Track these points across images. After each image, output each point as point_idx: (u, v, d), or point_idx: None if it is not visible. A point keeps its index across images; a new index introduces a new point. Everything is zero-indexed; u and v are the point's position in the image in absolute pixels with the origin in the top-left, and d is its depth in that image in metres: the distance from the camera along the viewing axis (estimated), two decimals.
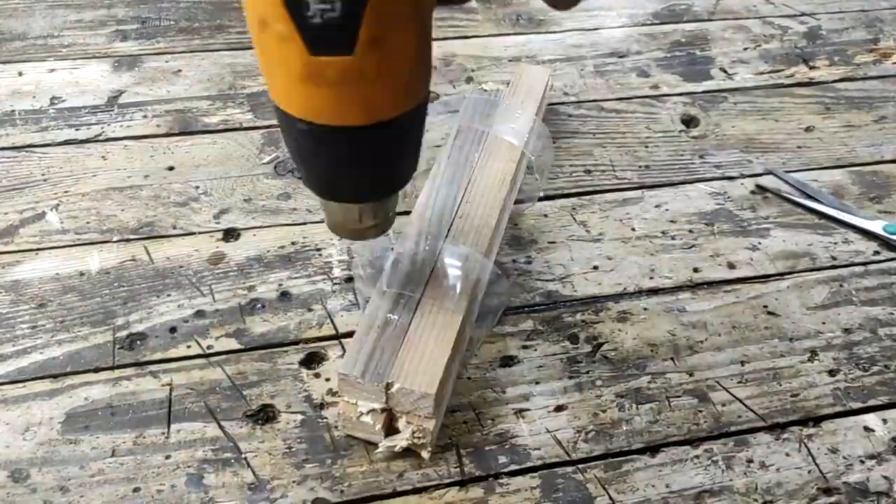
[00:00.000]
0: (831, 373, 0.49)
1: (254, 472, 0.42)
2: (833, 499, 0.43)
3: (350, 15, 0.29)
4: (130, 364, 0.47)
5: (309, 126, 0.33)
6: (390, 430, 0.43)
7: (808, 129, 0.67)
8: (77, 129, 0.63)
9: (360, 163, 0.35)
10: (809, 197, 0.61)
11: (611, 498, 0.42)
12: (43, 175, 0.59)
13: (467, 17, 0.78)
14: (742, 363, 0.49)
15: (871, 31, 0.80)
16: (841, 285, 0.55)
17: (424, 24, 0.32)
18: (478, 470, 0.43)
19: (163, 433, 0.44)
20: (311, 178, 0.37)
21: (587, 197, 0.60)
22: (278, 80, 0.32)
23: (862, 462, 0.45)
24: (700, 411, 0.47)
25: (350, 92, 0.31)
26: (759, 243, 0.57)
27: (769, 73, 0.73)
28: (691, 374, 0.49)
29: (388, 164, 0.37)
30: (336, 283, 0.52)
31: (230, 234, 0.55)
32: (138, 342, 0.48)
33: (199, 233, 0.55)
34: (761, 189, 0.62)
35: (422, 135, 0.38)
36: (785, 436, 0.46)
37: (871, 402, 0.48)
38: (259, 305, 0.51)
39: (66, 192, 0.57)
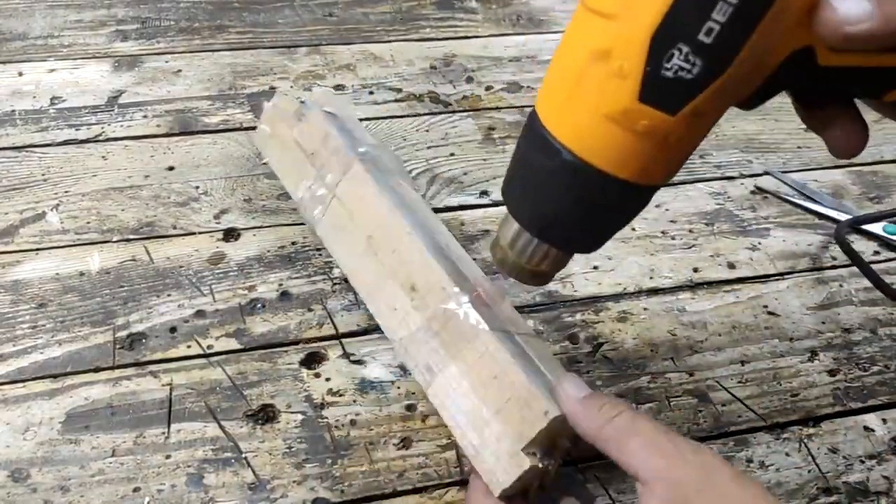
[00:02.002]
0: (831, 373, 0.49)
1: (254, 472, 0.42)
2: (833, 499, 0.43)
3: (697, 83, 0.28)
4: (130, 364, 0.47)
5: (577, 162, 0.31)
6: None
7: (808, 129, 0.67)
8: (77, 129, 0.63)
9: (602, 214, 0.34)
10: (808, 198, 0.61)
11: (611, 498, 0.42)
12: (43, 175, 0.59)
13: (467, 17, 0.78)
14: (742, 363, 0.49)
15: None
16: (841, 285, 0.55)
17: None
18: None
19: (163, 433, 0.44)
20: (532, 209, 0.35)
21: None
22: (578, 108, 0.31)
23: (862, 462, 0.45)
24: (700, 411, 0.47)
25: (644, 148, 0.30)
26: (759, 243, 0.57)
27: None
28: (691, 374, 0.49)
29: (615, 225, 0.36)
30: (336, 283, 0.52)
31: (230, 234, 0.55)
32: (138, 342, 0.48)
33: (200, 233, 0.55)
34: (760, 190, 0.62)
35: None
36: (785, 436, 0.46)
37: (871, 402, 0.48)
38: (259, 305, 0.51)
39: (66, 192, 0.57)
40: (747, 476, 0.34)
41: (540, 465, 0.37)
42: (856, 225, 0.58)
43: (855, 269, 0.55)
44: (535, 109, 0.33)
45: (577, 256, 0.55)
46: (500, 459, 0.37)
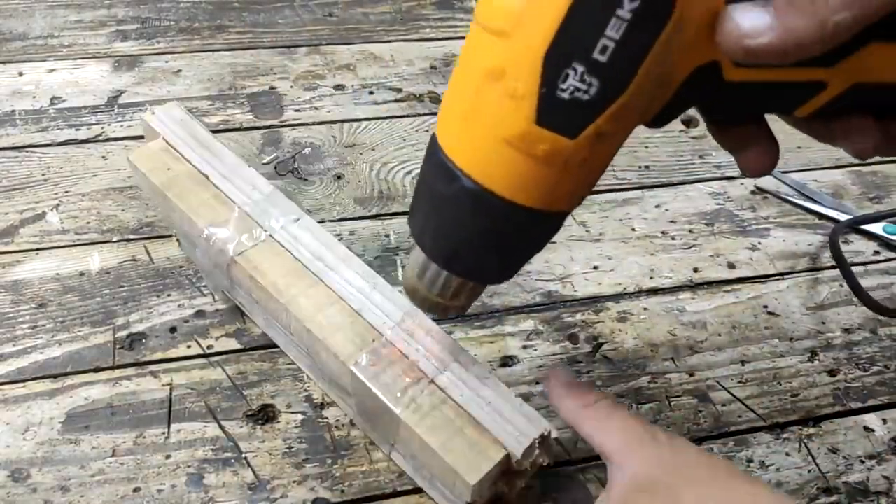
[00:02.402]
0: (831, 373, 0.49)
1: (254, 472, 0.42)
2: (833, 498, 0.43)
3: (595, 104, 0.27)
4: (130, 364, 0.47)
5: (478, 189, 0.30)
6: None
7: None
8: (77, 129, 0.63)
9: (507, 242, 0.33)
10: (808, 198, 0.61)
11: None
12: (43, 175, 0.59)
13: (467, 17, 0.78)
14: (742, 363, 0.49)
15: None
16: (841, 285, 0.55)
17: (629, 135, 0.31)
18: None
19: (163, 433, 0.44)
20: (434, 238, 0.34)
21: (587, 197, 0.60)
22: (475, 133, 0.29)
23: (862, 462, 0.45)
24: (700, 411, 0.47)
25: (546, 173, 0.29)
26: (759, 243, 0.57)
27: None
28: (691, 374, 0.49)
29: (524, 253, 0.35)
30: None
31: None
32: (138, 342, 0.48)
33: None
34: (760, 190, 0.62)
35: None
36: (785, 436, 0.46)
37: (871, 402, 0.48)
38: None
39: (66, 192, 0.57)
40: (716, 456, 0.35)
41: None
42: (854, 226, 0.58)
43: (856, 269, 0.55)
44: (435, 133, 0.31)
45: (577, 257, 0.55)
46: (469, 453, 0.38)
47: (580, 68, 0.26)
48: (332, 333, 0.41)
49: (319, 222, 0.56)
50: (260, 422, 0.45)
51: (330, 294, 0.43)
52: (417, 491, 0.42)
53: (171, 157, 0.49)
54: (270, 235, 0.45)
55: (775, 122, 0.33)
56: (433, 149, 0.31)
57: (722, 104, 0.30)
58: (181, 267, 0.53)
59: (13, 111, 0.64)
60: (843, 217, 0.59)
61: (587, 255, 0.56)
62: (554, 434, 0.38)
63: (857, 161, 0.65)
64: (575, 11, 0.25)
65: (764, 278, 0.55)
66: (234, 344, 0.48)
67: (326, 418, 0.45)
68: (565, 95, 0.26)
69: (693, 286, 0.54)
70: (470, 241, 0.32)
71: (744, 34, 0.25)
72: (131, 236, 0.55)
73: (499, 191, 0.29)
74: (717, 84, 0.28)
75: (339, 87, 0.69)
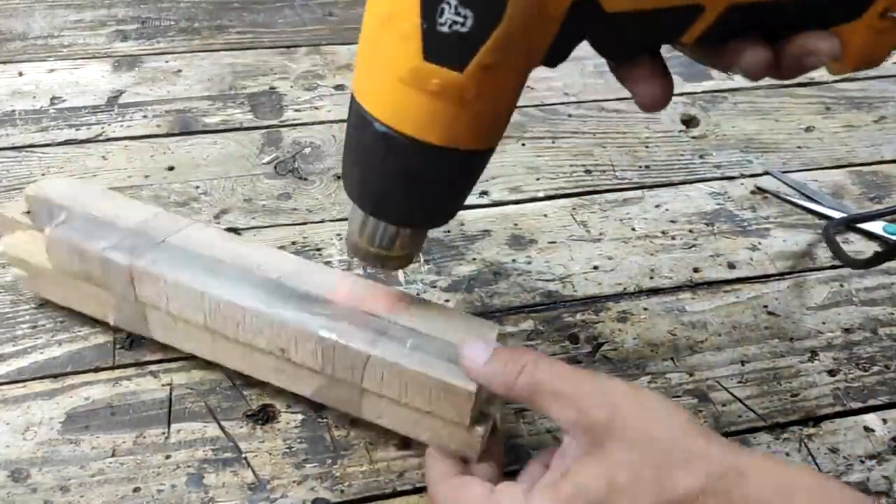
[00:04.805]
0: (831, 373, 0.49)
1: (254, 472, 0.42)
2: None
3: (475, 36, 0.28)
4: (130, 364, 0.47)
5: (387, 131, 0.32)
6: None
7: (808, 129, 0.67)
8: (77, 129, 0.63)
9: (420, 184, 0.34)
10: (808, 198, 0.61)
11: None
12: (43, 175, 0.59)
13: None
14: (742, 363, 0.49)
15: None
16: (841, 285, 0.55)
17: (527, 72, 0.32)
18: None
19: (163, 433, 0.44)
20: (360, 188, 0.35)
21: (587, 197, 0.60)
22: (376, 77, 0.31)
23: (862, 462, 0.45)
24: (700, 411, 0.47)
25: (441, 109, 0.31)
26: (759, 243, 0.57)
27: None
28: (691, 374, 0.49)
29: (444, 194, 0.36)
30: None
31: None
32: (138, 342, 0.48)
33: None
34: (760, 190, 0.62)
35: (476, 181, 0.37)
36: (785, 436, 0.46)
37: (871, 402, 0.48)
38: None
39: None
40: (656, 396, 0.35)
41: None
42: (849, 224, 0.58)
43: (856, 269, 0.56)
44: (353, 85, 0.34)
45: (577, 257, 0.55)
46: (454, 439, 0.39)
47: (453, 1, 0.28)
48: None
49: (319, 222, 0.57)
50: (260, 422, 0.45)
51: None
52: (417, 491, 0.42)
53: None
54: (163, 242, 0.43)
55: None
56: (351, 100, 0.33)
57: (608, 38, 0.32)
58: None
59: (13, 111, 0.64)
60: (843, 217, 0.59)
61: (587, 255, 0.56)
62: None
63: (857, 161, 0.65)
64: None
65: (764, 278, 0.55)
66: None
67: (326, 418, 0.45)
68: (445, 29, 0.28)
69: (693, 286, 0.54)
70: (390, 186, 0.34)
71: None
72: None
73: (405, 130, 0.31)
74: (599, 16, 0.30)
75: (339, 87, 0.69)
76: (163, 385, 0.46)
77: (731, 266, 0.56)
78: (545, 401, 0.35)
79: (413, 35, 0.29)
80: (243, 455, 0.43)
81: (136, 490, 0.41)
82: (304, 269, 0.43)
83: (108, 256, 0.42)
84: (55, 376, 0.46)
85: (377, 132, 0.32)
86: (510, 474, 0.42)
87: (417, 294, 0.52)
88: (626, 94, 0.35)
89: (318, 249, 0.54)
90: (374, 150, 0.33)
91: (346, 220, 0.57)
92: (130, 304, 0.44)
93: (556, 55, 0.32)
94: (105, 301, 0.45)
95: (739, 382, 0.48)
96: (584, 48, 0.33)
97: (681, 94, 0.70)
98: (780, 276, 0.55)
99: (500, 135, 0.34)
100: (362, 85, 0.32)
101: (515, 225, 0.57)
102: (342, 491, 0.42)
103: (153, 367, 0.47)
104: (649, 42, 0.32)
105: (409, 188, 0.34)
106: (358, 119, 0.33)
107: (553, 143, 0.64)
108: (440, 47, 0.29)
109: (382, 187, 0.35)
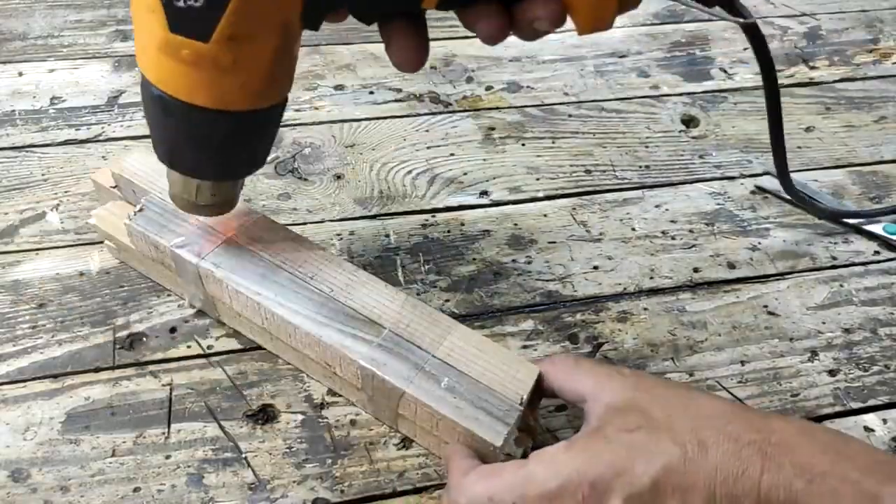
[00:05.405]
0: (831, 373, 0.49)
1: (254, 472, 0.42)
2: None
3: (210, 10, 0.30)
4: (130, 364, 0.47)
5: (160, 94, 0.34)
6: None
7: (808, 129, 0.67)
8: (77, 129, 0.63)
9: (200, 142, 0.36)
10: (808, 198, 0.61)
11: None
12: (43, 175, 0.59)
13: None
14: (742, 363, 0.49)
15: (871, 31, 0.80)
16: (841, 285, 0.55)
17: (287, 36, 0.34)
18: None
19: (163, 433, 0.44)
20: (157, 145, 0.39)
21: (587, 197, 0.60)
22: (144, 44, 0.34)
23: None
24: None
25: (201, 75, 0.33)
26: (759, 243, 0.57)
27: None
28: (691, 374, 0.49)
29: (228, 151, 0.38)
30: None
31: None
32: (138, 342, 0.48)
33: None
34: (761, 190, 0.62)
35: (271, 134, 0.39)
36: None
37: (871, 402, 0.48)
38: None
39: (66, 192, 0.57)
40: (675, 381, 0.38)
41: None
42: (833, 220, 0.59)
43: (856, 269, 0.56)
44: None
45: (577, 257, 0.55)
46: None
47: None
48: (328, 331, 0.41)
49: (319, 222, 0.57)
50: (260, 422, 0.45)
51: (319, 293, 0.43)
52: (417, 491, 0.42)
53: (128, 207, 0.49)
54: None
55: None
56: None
57: (357, 3, 0.33)
58: None
59: (13, 111, 0.64)
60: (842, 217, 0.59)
61: (587, 255, 0.55)
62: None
63: (856, 161, 0.65)
64: None
65: (764, 278, 0.55)
66: (234, 344, 0.48)
67: (326, 418, 0.45)
68: (181, 4, 0.30)
69: (693, 286, 0.54)
70: (178, 143, 0.37)
71: None
72: None
73: (175, 94, 0.34)
74: None
75: (339, 87, 0.69)
76: (163, 385, 0.46)
77: (731, 266, 0.56)
78: (579, 375, 0.39)
79: (157, 9, 0.31)
80: (243, 455, 0.43)
81: (136, 490, 0.41)
82: (354, 282, 0.44)
83: (179, 253, 0.44)
84: (55, 376, 0.46)
85: (154, 95, 0.34)
86: None
87: (417, 294, 0.52)
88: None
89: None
90: (156, 111, 0.35)
91: (345, 219, 0.57)
92: (202, 293, 0.46)
93: (313, 19, 0.34)
94: (182, 284, 0.48)
95: (739, 382, 0.48)
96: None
97: (681, 94, 0.70)
98: (780, 276, 0.55)
99: (277, 93, 0.36)
100: (138, 51, 0.35)
101: (515, 225, 0.57)
102: (342, 491, 0.42)
103: (153, 367, 0.47)
104: (393, 6, 0.34)
105: (194, 145, 0.37)
106: (143, 85, 0.35)
107: (553, 143, 0.64)
108: (182, 21, 0.31)
109: (172, 144, 0.37)
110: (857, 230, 0.58)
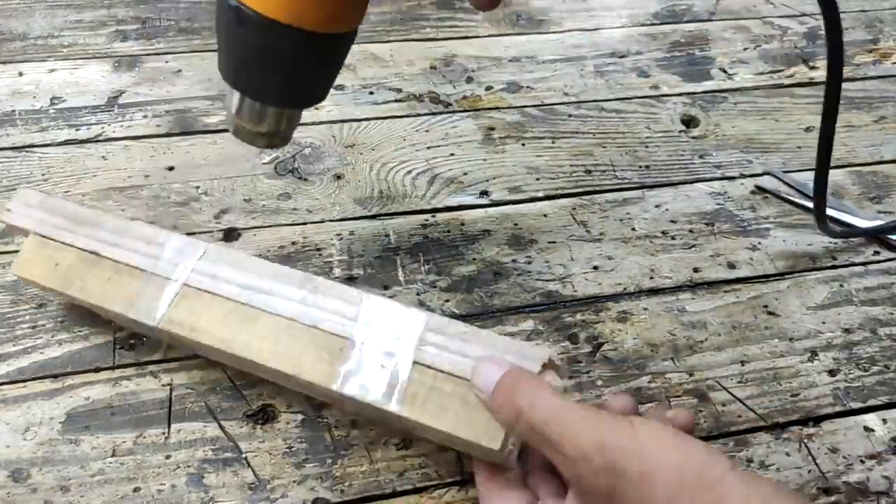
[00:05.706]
0: (831, 373, 0.49)
1: (254, 472, 0.42)
2: (833, 498, 0.43)
3: None
4: (130, 364, 0.47)
5: (237, 5, 0.35)
6: None
7: (808, 130, 0.67)
8: (77, 129, 0.63)
9: (269, 59, 0.37)
10: (808, 198, 0.61)
11: None
12: (43, 175, 0.59)
13: (467, 17, 0.78)
14: (742, 363, 0.49)
15: (871, 31, 0.80)
16: (841, 285, 0.55)
17: None
18: None
19: (163, 433, 0.44)
20: (222, 59, 0.39)
21: (587, 197, 0.60)
22: None
23: (862, 462, 0.45)
24: (700, 411, 0.47)
25: None
26: (759, 243, 0.57)
27: (769, 73, 0.73)
28: (691, 374, 0.49)
29: (293, 73, 0.38)
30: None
31: (231, 234, 0.55)
32: (138, 342, 0.48)
33: (200, 233, 0.55)
34: (761, 190, 0.62)
35: (336, 65, 0.40)
36: (785, 436, 0.46)
37: (871, 402, 0.48)
38: None
39: (66, 192, 0.57)
40: (668, 446, 0.33)
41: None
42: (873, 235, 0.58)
43: (856, 269, 0.56)
44: None
45: (577, 257, 0.55)
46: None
47: None
48: (300, 364, 0.40)
49: (319, 222, 0.57)
50: (260, 422, 0.45)
51: (277, 321, 0.41)
52: (417, 491, 0.42)
53: (51, 250, 0.45)
54: (185, 285, 0.43)
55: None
56: None
57: None
58: None
59: (13, 111, 0.64)
60: (842, 217, 0.59)
61: (587, 255, 0.56)
62: (555, 359, 0.39)
63: (856, 161, 0.65)
64: None
65: (764, 278, 0.55)
66: None
67: (326, 418, 0.45)
68: None
69: (693, 286, 0.54)
70: (245, 59, 0.37)
71: None
72: None
73: (252, 5, 0.35)
74: None
75: (338, 87, 0.69)
76: (163, 385, 0.46)
77: (731, 266, 0.56)
78: (546, 450, 0.34)
79: None
80: (243, 455, 0.43)
81: (136, 490, 0.41)
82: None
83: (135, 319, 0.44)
84: (55, 376, 0.46)
85: (230, 6, 0.35)
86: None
87: (417, 294, 0.52)
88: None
89: (318, 249, 0.54)
90: (229, 23, 0.36)
91: (345, 219, 0.57)
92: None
93: None
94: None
95: (739, 382, 0.48)
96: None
97: (681, 94, 0.70)
98: (780, 276, 0.55)
99: (350, 19, 0.37)
100: None
101: (515, 225, 0.57)
102: (342, 491, 0.42)
103: (153, 367, 0.47)
104: None
105: (261, 63, 0.37)
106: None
107: (553, 143, 0.64)
108: None
109: (239, 60, 0.38)
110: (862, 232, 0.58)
